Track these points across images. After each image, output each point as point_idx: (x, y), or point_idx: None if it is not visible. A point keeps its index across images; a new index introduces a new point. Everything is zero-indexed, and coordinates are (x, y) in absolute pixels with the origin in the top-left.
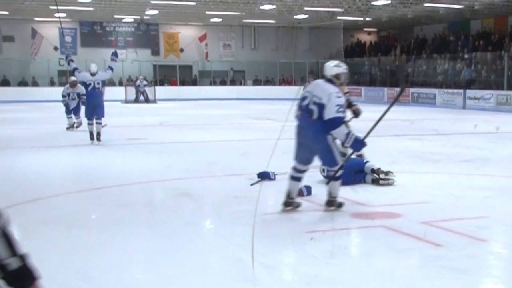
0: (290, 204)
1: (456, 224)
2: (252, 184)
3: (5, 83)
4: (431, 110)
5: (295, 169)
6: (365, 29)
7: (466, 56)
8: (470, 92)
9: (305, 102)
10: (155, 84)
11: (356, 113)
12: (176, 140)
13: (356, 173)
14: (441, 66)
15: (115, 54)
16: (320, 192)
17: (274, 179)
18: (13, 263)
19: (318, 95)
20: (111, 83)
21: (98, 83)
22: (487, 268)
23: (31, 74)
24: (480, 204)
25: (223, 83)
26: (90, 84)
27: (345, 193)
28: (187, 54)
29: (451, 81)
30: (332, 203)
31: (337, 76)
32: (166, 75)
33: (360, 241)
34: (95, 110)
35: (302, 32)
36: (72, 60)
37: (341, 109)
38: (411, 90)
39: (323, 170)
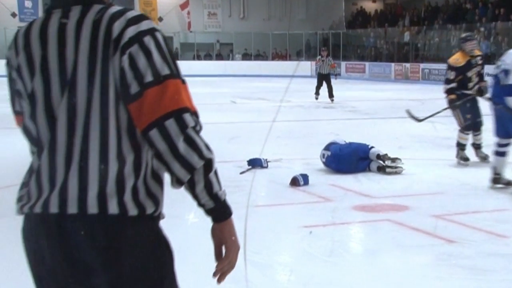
0: (498, 180)
1: (472, 217)
2: (241, 173)
3: None
4: None
5: (498, 144)
6: None
7: (483, 26)
8: (489, 68)
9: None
10: None
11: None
12: None
13: (359, 160)
14: (455, 38)
15: None
16: (318, 182)
17: (266, 167)
18: (222, 196)
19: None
20: None
21: None
22: (507, 267)
23: None
24: (499, 195)
25: (208, 57)
26: None
27: (346, 182)
28: (166, 24)
29: None
30: (498, 181)
31: None
32: None
33: (363, 237)
34: None
35: None
36: None
37: None
38: (422, 65)
39: (323, 156)
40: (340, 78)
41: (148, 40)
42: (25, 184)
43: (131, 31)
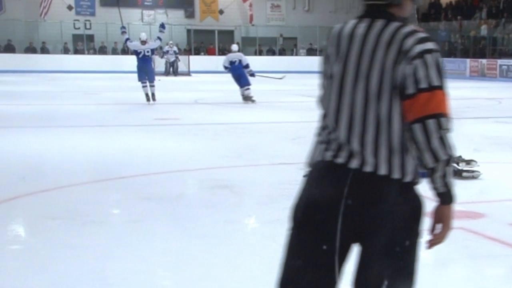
0: None
1: None
2: (305, 176)
3: (10, 49)
4: None
5: None
6: None
7: None
8: None
9: None
10: (189, 53)
11: None
12: (213, 121)
13: None
14: None
15: (162, 26)
16: None
17: None
18: (452, 185)
19: None
20: None
21: (148, 51)
22: None
23: (40, 38)
24: None
25: (270, 52)
26: (140, 52)
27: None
28: (227, 17)
29: None
30: None
31: None
32: (202, 42)
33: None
34: (147, 74)
35: None
36: (125, 32)
37: None
38: (499, 61)
39: None
40: None
41: (429, 57)
42: (320, 136)
43: (418, 48)
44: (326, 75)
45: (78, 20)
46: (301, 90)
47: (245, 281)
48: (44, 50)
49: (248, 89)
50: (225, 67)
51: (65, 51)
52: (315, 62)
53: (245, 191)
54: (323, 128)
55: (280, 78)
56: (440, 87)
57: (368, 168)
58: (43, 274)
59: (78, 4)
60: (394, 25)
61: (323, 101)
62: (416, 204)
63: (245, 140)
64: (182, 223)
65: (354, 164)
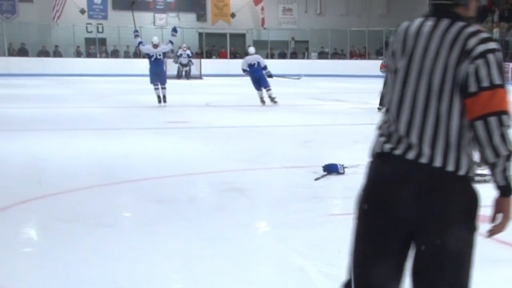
0: None
1: None
2: (316, 179)
3: (23, 52)
4: None
5: None
6: None
7: None
8: None
9: None
10: (201, 56)
11: None
12: (225, 124)
13: None
14: None
15: (174, 30)
16: None
17: (343, 173)
18: (511, 178)
19: None
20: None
21: (159, 55)
22: None
23: (52, 42)
24: None
25: (282, 55)
26: (153, 55)
27: None
28: (239, 20)
29: None
30: None
31: None
32: (214, 46)
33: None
34: (159, 77)
35: None
36: (138, 35)
37: None
38: None
39: None
40: None
41: (491, 57)
42: (381, 128)
43: (481, 48)
44: (391, 70)
45: (90, 24)
46: (313, 93)
47: (256, 284)
48: (56, 54)
49: (270, 89)
50: (244, 70)
51: (78, 54)
52: (326, 65)
53: (256, 195)
54: (384, 121)
55: (298, 78)
56: (502, 86)
57: (424, 160)
58: (55, 277)
59: (90, 7)
60: (458, 24)
61: (386, 95)
62: (471, 196)
63: (256, 143)
64: (193, 226)
65: (411, 155)
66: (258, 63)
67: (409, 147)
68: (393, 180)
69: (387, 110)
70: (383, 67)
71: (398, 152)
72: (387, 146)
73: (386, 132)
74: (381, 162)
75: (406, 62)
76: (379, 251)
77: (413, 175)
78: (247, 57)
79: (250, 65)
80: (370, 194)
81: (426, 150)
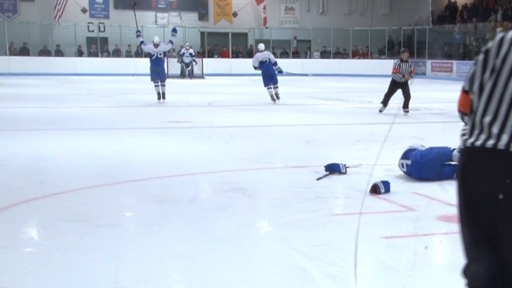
0: None
1: None
2: (318, 179)
3: (24, 51)
4: None
5: None
6: None
7: None
8: None
9: None
10: (203, 55)
11: None
12: (227, 124)
13: (443, 165)
14: None
15: (174, 30)
16: (400, 189)
17: (345, 173)
18: None
19: None
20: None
21: (160, 54)
22: None
23: (54, 41)
24: None
25: (284, 55)
26: (153, 54)
27: (430, 190)
28: (241, 20)
29: None
30: None
31: None
32: (216, 45)
33: (449, 250)
34: (159, 75)
35: None
36: (140, 35)
37: None
38: None
39: (402, 165)
40: (425, 78)
41: None
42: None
43: None
44: (484, 70)
45: (92, 23)
46: (315, 92)
47: (258, 284)
48: (58, 53)
49: (278, 86)
50: (255, 67)
51: (79, 54)
52: (329, 64)
53: (258, 194)
54: (470, 117)
55: (307, 75)
56: None
57: (501, 146)
58: (57, 277)
59: (92, 7)
60: None
61: (476, 91)
62: None
63: (259, 143)
64: (196, 226)
65: (490, 143)
66: (269, 59)
67: (488, 137)
68: (481, 172)
69: (476, 107)
70: (396, 71)
71: (478, 143)
72: (469, 141)
73: (471, 125)
74: (466, 156)
75: (499, 64)
76: (482, 250)
77: (493, 161)
78: (258, 54)
79: (261, 62)
80: (465, 190)
81: (505, 137)
